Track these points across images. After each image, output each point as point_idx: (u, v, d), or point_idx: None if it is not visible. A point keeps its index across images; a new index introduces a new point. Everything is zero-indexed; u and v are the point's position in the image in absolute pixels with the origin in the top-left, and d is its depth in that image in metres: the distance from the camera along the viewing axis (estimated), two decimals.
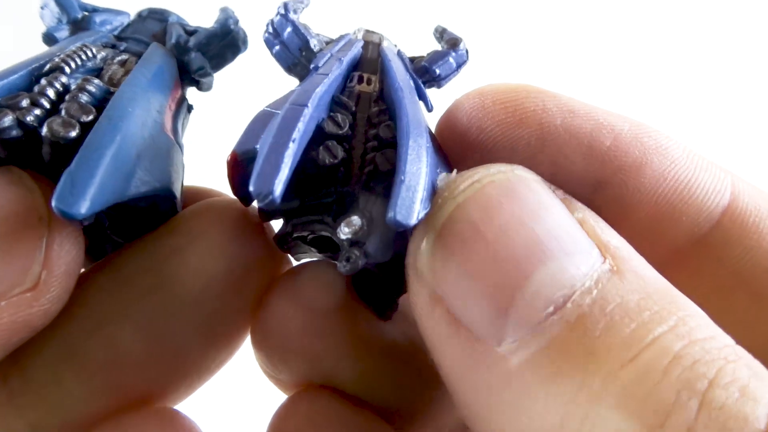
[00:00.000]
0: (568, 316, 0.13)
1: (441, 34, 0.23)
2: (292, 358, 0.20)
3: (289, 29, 0.22)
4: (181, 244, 0.20)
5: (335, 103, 0.20)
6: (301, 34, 0.22)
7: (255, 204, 0.20)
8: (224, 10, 0.24)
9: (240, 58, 0.25)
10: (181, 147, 0.21)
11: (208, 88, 0.24)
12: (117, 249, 0.20)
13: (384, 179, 0.18)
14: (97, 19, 0.23)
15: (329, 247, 0.20)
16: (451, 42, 0.23)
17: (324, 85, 0.19)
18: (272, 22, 0.22)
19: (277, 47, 0.22)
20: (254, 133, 0.18)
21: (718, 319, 0.14)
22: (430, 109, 0.22)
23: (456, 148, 0.20)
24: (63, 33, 0.23)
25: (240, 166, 0.18)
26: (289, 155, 0.16)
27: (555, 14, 0.71)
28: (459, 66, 0.23)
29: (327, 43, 0.23)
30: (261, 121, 0.18)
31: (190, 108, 0.24)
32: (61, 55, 0.20)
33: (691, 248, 0.19)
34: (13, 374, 0.18)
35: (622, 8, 0.72)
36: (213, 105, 0.27)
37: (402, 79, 0.20)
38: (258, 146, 0.17)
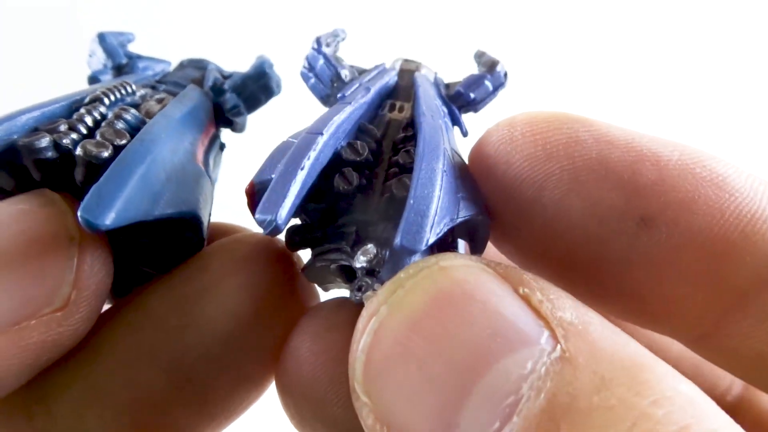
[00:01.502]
0: (518, 429, 0.12)
1: (480, 57, 0.23)
2: (314, 407, 0.19)
3: (321, 62, 0.22)
4: (209, 283, 0.19)
5: (360, 130, 0.20)
6: (331, 66, 0.22)
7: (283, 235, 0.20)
8: (260, 56, 0.25)
9: (275, 101, 0.25)
10: (212, 180, 0.21)
11: (242, 129, 0.25)
12: (142, 284, 0.20)
13: (401, 206, 0.17)
14: (141, 65, 0.24)
15: (355, 275, 0.19)
16: (488, 64, 0.22)
17: (345, 113, 0.19)
18: (307, 56, 0.22)
19: (312, 80, 0.22)
20: (272, 163, 0.18)
21: None
22: (465, 134, 0.22)
23: (485, 183, 0.19)
24: (107, 77, 0.24)
25: (258, 196, 0.18)
26: (296, 182, 0.16)
27: (595, 34, 0.71)
28: (496, 89, 0.22)
29: (360, 72, 0.23)
30: (281, 151, 0.18)
31: (222, 146, 0.24)
32: (102, 89, 0.20)
33: (757, 291, 0.16)
34: (39, 412, 0.18)
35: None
36: (246, 146, 0.27)
37: (428, 104, 0.20)
38: (274, 175, 0.17)
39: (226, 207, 0.26)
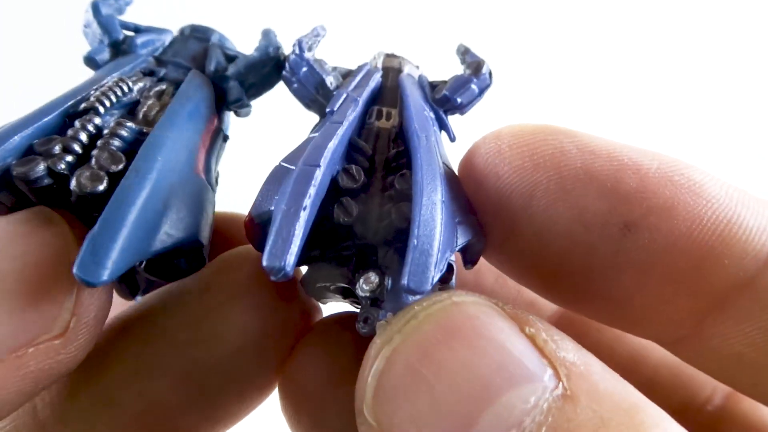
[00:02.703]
0: None
1: (464, 54, 0.22)
2: (315, 416, 0.20)
3: (304, 68, 0.21)
4: (220, 301, 0.20)
5: (352, 147, 0.20)
6: (316, 73, 0.21)
7: None
8: (266, 34, 0.23)
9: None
10: (212, 185, 0.21)
11: (246, 114, 0.24)
12: (151, 286, 0.21)
13: (401, 234, 0.17)
14: (139, 40, 0.23)
15: (352, 293, 0.20)
16: (473, 66, 0.22)
17: (337, 137, 0.18)
18: (289, 60, 0.21)
19: (295, 85, 0.22)
20: (269, 194, 0.18)
21: None
22: (452, 139, 0.22)
23: (475, 196, 0.19)
24: (104, 55, 0.22)
25: (258, 227, 0.18)
26: (299, 225, 0.16)
27: (581, 32, 0.71)
28: (482, 91, 0.22)
29: (345, 75, 0.22)
30: (276, 178, 0.18)
31: (225, 138, 0.23)
32: (97, 93, 0.19)
33: (736, 293, 0.17)
34: (51, 420, 0.19)
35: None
36: (252, 123, 0.26)
37: (419, 119, 0.19)
38: (272, 208, 0.17)
39: (228, 195, 0.25)
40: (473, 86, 0.21)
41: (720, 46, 0.71)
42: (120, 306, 0.23)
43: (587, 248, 0.18)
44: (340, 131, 0.19)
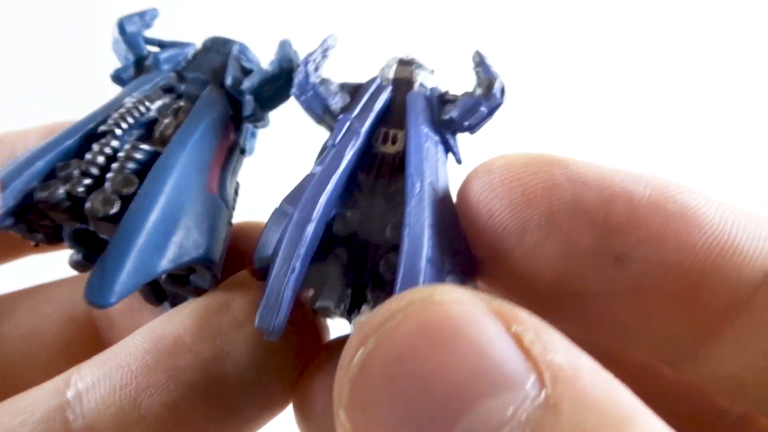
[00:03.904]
0: None
1: (477, 66, 0.22)
2: None
3: (309, 92, 0.21)
4: (238, 319, 0.21)
5: (353, 181, 0.21)
6: (320, 97, 0.21)
7: None
8: (282, 47, 0.24)
9: None
10: (227, 200, 0.22)
11: (264, 127, 0.24)
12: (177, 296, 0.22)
13: (390, 286, 0.18)
14: (163, 56, 0.24)
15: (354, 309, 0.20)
16: (484, 84, 0.21)
17: (332, 184, 0.19)
18: (297, 81, 0.21)
19: (303, 106, 0.22)
20: (268, 239, 0.19)
21: None
22: (459, 162, 0.22)
23: (470, 231, 0.19)
24: (129, 72, 0.24)
25: (261, 272, 0.19)
26: (289, 287, 0.17)
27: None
28: (492, 111, 0.21)
29: (354, 91, 0.22)
30: (276, 222, 0.19)
31: (243, 151, 0.24)
32: (116, 116, 0.20)
33: (732, 317, 0.17)
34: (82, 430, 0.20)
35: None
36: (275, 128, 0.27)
37: (417, 158, 0.19)
38: (270, 253, 0.18)
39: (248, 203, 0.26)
40: (483, 108, 0.21)
41: (716, 59, 0.72)
42: (149, 314, 0.24)
43: (580, 278, 0.18)
44: (335, 177, 0.19)
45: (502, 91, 0.21)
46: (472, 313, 0.13)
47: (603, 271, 0.17)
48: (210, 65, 0.24)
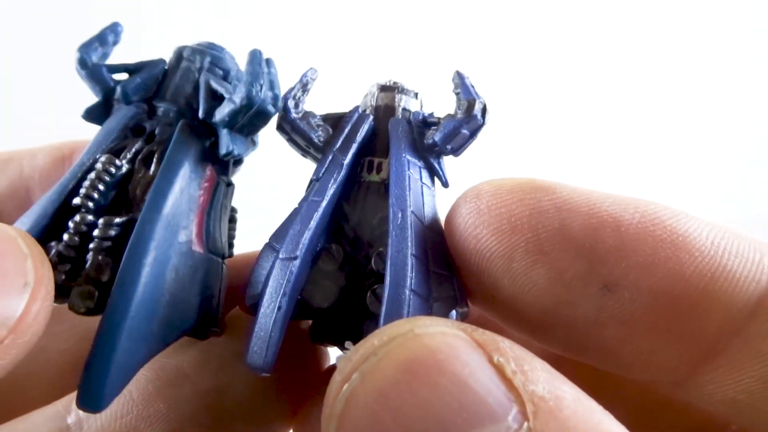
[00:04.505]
0: None
1: (457, 88, 0.21)
2: None
3: (290, 130, 0.21)
4: (237, 353, 0.21)
5: (339, 212, 0.21)
6: (303, 132, 0.21)
7: None
8: (251, 62, 0.21)
9: None
10: (216, 247, 0.21)
11: (244, 154, 0.23)
12: None
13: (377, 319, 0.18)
14: (131, 87, 0.22)
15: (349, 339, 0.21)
16: (465, 106, 0.20)
17: (315, 220, 0.19)
18: (278, 118, 0.21)
19: (288, 139, 0.22)
20: (257, 277, 0.19)
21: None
22: (445, 185, 0.21)
23: (457, 256, 0.19)
24: (98, 111, 0.22)
25: (252, 308, 0.19)
26: (275, 325, 0.18)
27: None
28: (474, 133, 0.20)
29: (335, 122, 0.21)
30: (265, 259, 0.20)
31: (229, 184, 0.23)
32: (87, 184, 0.19)
33: (726, 342, 0.17)
34: None
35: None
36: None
37: (398, 188, 0.19)
38: (259, 291, 0.19)
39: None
40: (464, 131, 0.20)
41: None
42: None
43: (569, 305, 0.17)
44: (317, 214, 0.19)
45: (483, 111, 0.20)
46: (454, 345, 0.14)
47: (592, 298, 0.17)
48: (180, 90, 0.22)
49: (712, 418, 0.22)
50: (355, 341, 0.19)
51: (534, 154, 0.69)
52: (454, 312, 0.19)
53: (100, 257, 0.18)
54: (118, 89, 0.22)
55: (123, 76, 0.23)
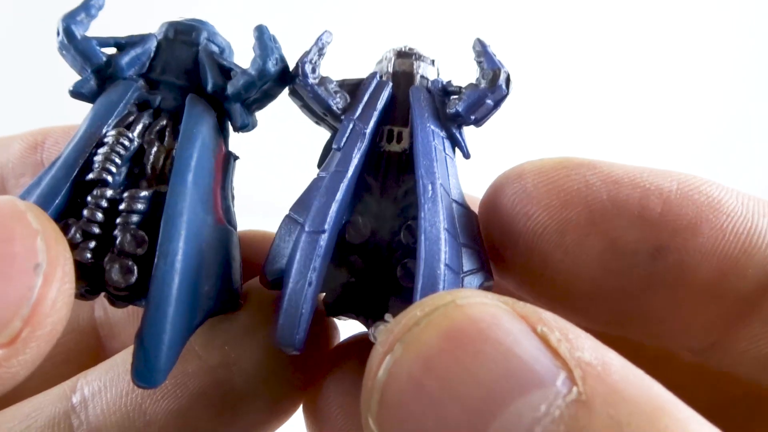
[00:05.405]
0: None
1: (479, 57, 0.21)
2: None
3: (309, 95, 0.20)
4: (246, 327, 0.20)
5: (363, 186, 0.20)
6: (321, 99, 0.20)
7: None
8: (260, 37, 0.21)
9: None
10: (232, 222, 0.21)
11: (253, 127, 0.22)
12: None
13: (407, 292, 0.18)
14: (124, 61, 0.21)
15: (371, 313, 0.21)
16: (488, 76, 0.20)
17: (341, 192, 0.19)
18: (294, 83, 0.20)
19: (302, 106, 0.21)
20: (279, 250, 0.19)
21: None
22: (466, 156, 0.21)
23: (501, 236, 0.20)
24: (90, 85, 0.21)
25: (271, 284, 0.19)
26: (306, 301, 0.17)
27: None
28: (498, 103, 0.21)
29: (353, 89, 0.21)
30: (286, 230, 0.19)
31: (235, 158, 0.22)
32: (100, 158, 0.18)
33: (761, 298, 0.18)
34: None
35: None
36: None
37: (426, 159, 0.19)
38: (282, 266, 0.18)
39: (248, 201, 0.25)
40: (488, 101, 0.20)
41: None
42: None
43: (620, 274, 0.18)
44: (344, 184, 0.19)
45: (508, 81, 0.20)
46: (497, 315, 0.13)
47: (643, 264, 0.18)
48: (180, 65, 0.22)
49: (725, 392, 0.23)
50: (376, 317, 0.19)
51: (531, 132, 0.71)
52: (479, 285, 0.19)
53: (132, 227, 0.17)
54: (112, 64, 0.21)
55: (111, 51, 0.21)
